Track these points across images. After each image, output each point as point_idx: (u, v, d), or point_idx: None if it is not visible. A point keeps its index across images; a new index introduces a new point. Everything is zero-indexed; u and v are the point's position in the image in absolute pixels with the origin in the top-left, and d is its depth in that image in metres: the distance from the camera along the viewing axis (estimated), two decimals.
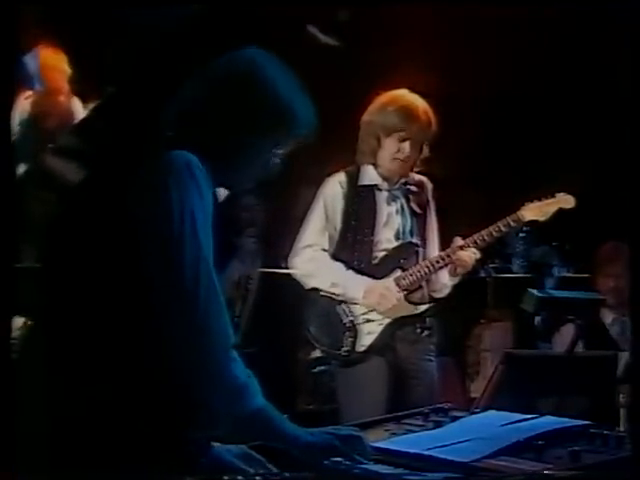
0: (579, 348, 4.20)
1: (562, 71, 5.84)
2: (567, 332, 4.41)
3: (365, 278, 3.90)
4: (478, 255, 3.93)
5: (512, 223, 3.90)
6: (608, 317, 4.86)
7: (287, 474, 1.96)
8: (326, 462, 1.97)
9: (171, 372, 1.89)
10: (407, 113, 3.85)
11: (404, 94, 3.92)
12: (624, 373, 3.92)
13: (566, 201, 3.96)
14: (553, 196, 3.96)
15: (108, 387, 1.89)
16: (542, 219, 3.95)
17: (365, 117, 3.96)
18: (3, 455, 1.89)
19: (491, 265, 5.49)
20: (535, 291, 4.08)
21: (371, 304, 3.89)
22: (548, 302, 4.08)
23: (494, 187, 5.94)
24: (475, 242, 3.89)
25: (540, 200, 3.94)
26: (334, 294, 3.92)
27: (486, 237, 3.89)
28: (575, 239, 4.75)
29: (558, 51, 5.77)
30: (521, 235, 5.62)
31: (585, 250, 5.01)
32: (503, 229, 3.89)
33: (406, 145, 3.87)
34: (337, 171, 4.00)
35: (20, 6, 2.16)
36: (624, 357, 3.96)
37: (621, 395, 3.64)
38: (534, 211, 3.92)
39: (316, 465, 1.97)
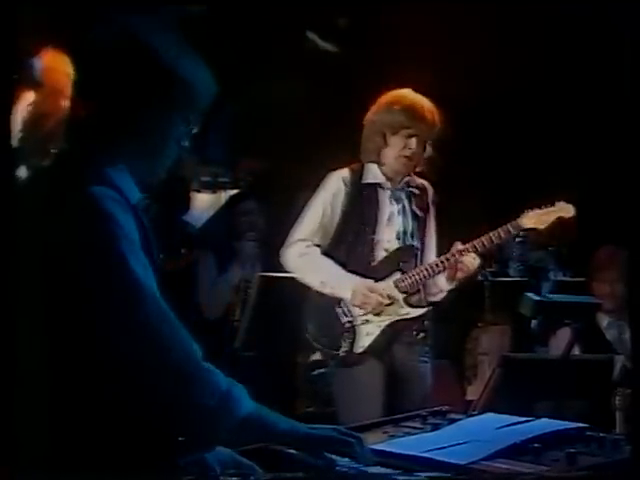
0: (575, 351, 4.22)
1: (563, 76, 5.85)
2: (563, 336, 4.42)
3: (354, 277, 3.89)
4: (478, 260, 3.93)
5: (512, 230, 3.91)
6: (604, 321, 4.87)
7: (285, 475, 1.95)
8: (329, 456, 1.95)
9: (151, 398, 1.88)
10: (413, 111, 3.87)
11: (409, 93, 3.94)
12: (620, 376, 3.94)
13: (566, 210, 3.95)
14: (553, 204, 3.96)
15: (101, 395, 1.89)
16: (541, 227, 3.95)
17: (370, 116, 3.97)
18: (2, 454, 1.90)
19: (488, 269, 5.50)
20: (532, 295, 4.09)
21: (357, 304, 3.90)
22: (545, 306, 4.08)
23: (494, 192, 5.96)
24: (475, 247, 3.89)
25: (540, 208, 3.94)
26: (323, 293, 3.91)
27: (486, 243, 3.89)
28: (572, 243, 4.77)
29: (562, 58, 5.78)
30: (518, 239, 5.63)
31: (581, 254, 5.03)
32: (503, 235, 3.90)
33: (413, 141, 3.89)
34: (341, 167, 4.00)
35: (21, 8, 2.16)
36: (620, 360, 3.98)
37: (617, 398, 3.65)
38: (533, 219, 3.93)
39: (315, 456, 1.96)
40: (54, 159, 2.09)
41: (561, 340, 4.39)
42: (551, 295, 4.25)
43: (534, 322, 4.51)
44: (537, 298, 4.05)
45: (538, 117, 6.01)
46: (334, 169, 4.00)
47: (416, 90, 3.96)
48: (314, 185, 4.04)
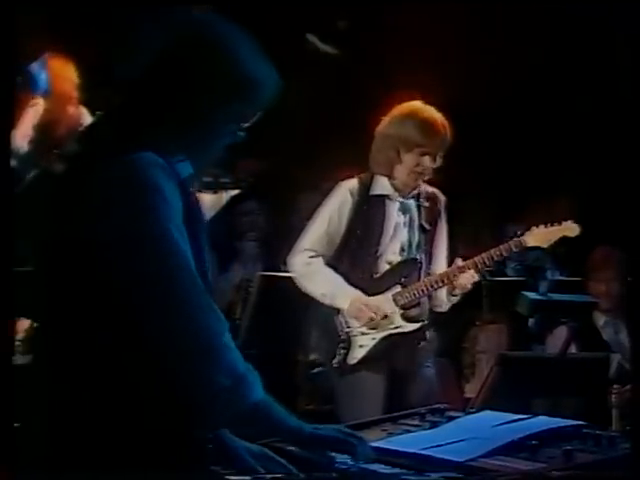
0: (572, 350, 4.25)
1: (563, 79, 5.87)
2: (560, 334, 4.45)
3: (352, 290, 3.89)
4: (477, 278, 3.93)
5: (514, 248, 3.91)
6: (600, 320, 4.90)
7: (296, 475, 1.95)
8: (329, 454, 1.97)
9: (168, 370, 1.86)
10: (428, 128, 3.84)
11: (421, 107, 3.91)
12: (616, 374, 3.98)
13: (570, 229, 3.96)
14: (559, 223, 3.95)
15: (107, 387, 1.88)
16: (544, 246, 3.95)
17: (382, 129, 3.94)
18: (3, 454, 1.90)
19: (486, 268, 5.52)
20: (529, 294, 4.12)
21: (353, 317, 3.90)
22: (542, 305, 4.12)
23: (501, 194, 5.98)
24: (475, 264, 3.89)
25: (545, 226, 3.94)
26: (323, 303, 3.93)
27: (487, 260, 3.89)
28: (569, 243, 4.80)
29: (571, 63, 5.78)
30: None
31: (578, 254, 5.06)
32: (504, 253, 3.90)
33: (426, 159, 3.87)
34: (350, 177, 3.98)
35: (25, 13, 2.18)
36: (616, 359, 4.01)
37: (613, 396, 3.68)
38: (537, 237, 3.92)
39: (319, 457, 1.97)
40: (105, 124, 2.04)
41: (558, 339, 4.42)
42: (548, 294, 4.28)
43: (531, 321, 4.53)
44: (534, 297, 4.09)
45: (535, 120, 6.03)
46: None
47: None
48: (314, 186, 4.06)
